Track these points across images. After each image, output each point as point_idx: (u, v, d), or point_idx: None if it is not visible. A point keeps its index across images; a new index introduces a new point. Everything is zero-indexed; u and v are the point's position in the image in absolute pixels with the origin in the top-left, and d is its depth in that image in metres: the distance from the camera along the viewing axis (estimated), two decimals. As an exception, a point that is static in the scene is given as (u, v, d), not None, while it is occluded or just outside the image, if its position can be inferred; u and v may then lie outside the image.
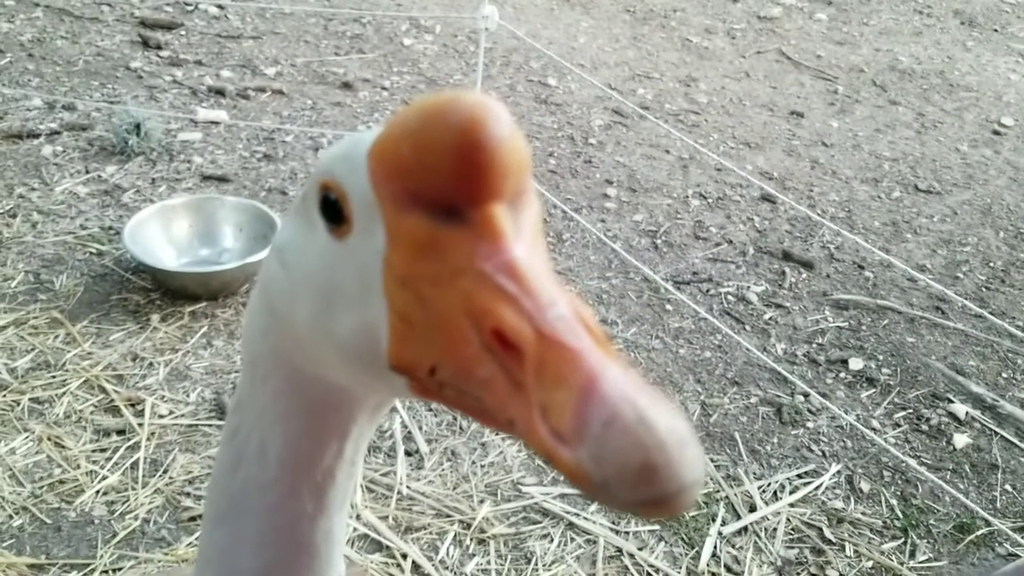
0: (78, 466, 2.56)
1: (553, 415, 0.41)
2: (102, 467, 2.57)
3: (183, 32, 5.52)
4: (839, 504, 2.80)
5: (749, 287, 3.80)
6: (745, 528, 2.67)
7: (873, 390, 3.30)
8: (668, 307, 3.60)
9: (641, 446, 0.39)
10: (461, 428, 2.86)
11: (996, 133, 5.71)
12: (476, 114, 0.47)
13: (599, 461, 0.39)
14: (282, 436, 0.71)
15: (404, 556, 2.42)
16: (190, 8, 5.86)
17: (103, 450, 2.63)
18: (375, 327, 0.53)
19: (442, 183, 0.48)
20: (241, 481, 0.74)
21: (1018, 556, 2.70)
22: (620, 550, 2.54)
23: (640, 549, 2.55)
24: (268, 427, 0.71)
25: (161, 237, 3.36)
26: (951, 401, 3.28)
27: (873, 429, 3.10)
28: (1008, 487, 2.96)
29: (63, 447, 2.62)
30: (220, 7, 5.91)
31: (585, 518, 2.61)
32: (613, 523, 2.62)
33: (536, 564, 2.47)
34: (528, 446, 0.42)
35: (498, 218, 0.49)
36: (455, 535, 2.51)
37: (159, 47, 5.23)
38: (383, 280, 0.52)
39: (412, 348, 0.50)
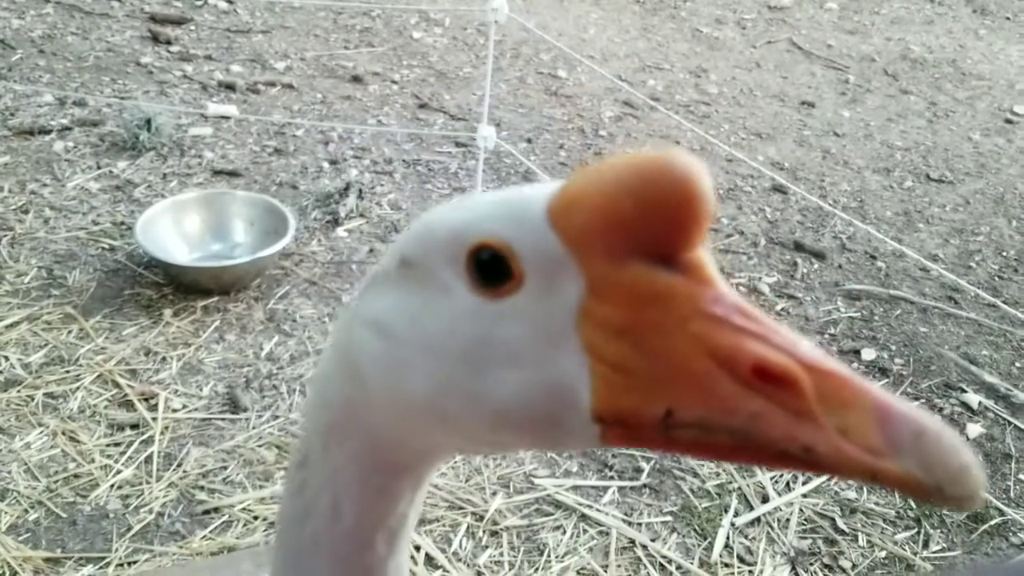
0: (92, 460, 2.58)
1: (856, 435, 0.46)
2: (116, 461, 2.59)
3: (192, 27, 5.53)
4: (852, 494, 2.79)
5: (761, 278, 3.79)
6: (758, 519, 2.66)
7: (886, 380, 3.29)
8: (679, 298, 3.59)
9: (956, 450, 0.45)
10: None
11: (1008, 122, 5.67)
12: (693, 170, 0.50)
13: (928, 468, 0.44)
14: (358, 495, 0.71)
15: (417, 548, 2.42)
16: (199, 3, 5.87)
17: (117, 444, 2.65)
18: (563, 381, 0.53)
19: (664, 234, 0.51)
20: (311, 534, 0.74)
21: (1032, 546, 2.69)
22: (633, 541, 2.54)
23: (653, 540, 2.55)
24: (343, 486, 0.71)
25: (173, 232, 3.37)
26: (964, 391, 3.27)
27: (886, 419, 3.08)
28: (1022, 476, 2.94)
29: (77, 441, 2.63)
30: (229, 1, 5.92)
31: (598, 510, 2.62)
32: (626, 515, 2.62)
33: (549, 556, 2.47)
34: (832, 468, 0.46)
35: (709, 263, 0.52)
36: (468, 527, 2.52)
37: (169, 42, 5.24)
38: (581, 333, 0.53)
39: (633, 396, 0.51)
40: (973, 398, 3.22)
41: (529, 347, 0.55)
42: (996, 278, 4.04)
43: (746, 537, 2.61)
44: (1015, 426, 3.14)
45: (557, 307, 0.54)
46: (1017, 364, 3.47)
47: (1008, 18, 7.64)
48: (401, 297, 0.61)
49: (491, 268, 0.56)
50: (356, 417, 0.68)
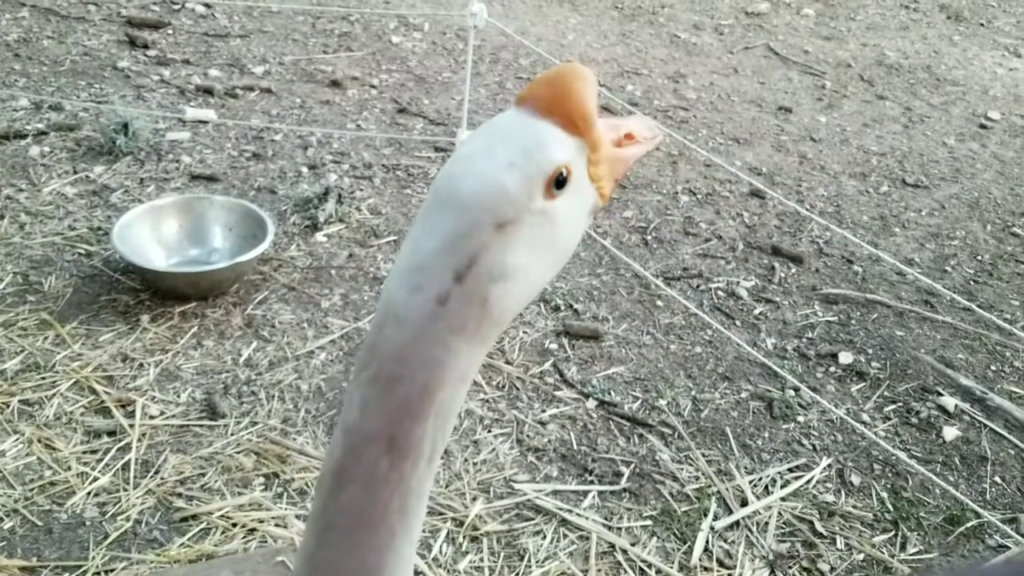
0: (69, 468, 2.56)
1: (650, 136, 0.97)
2: (93, 468, 2.56)
3: (170, 31, 5.50)
4: (830, 497, 2.81)
5: (739, 282, 3.81)
6: (737, 522, 2.68)
7: (863, 384, 3.32)
8: (659, 303, 3.60)
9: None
10: (453, 428, 2.86)
11: (983, 127, 5.73)
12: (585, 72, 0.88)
13: (659, 131, 0.98)
14: (446, 432, 0.89)
15: (397, 554, 2.41)
16: (177, 7, 5.84)
17: (94, 451, 2.62)
18: (594, 202, 0.91)
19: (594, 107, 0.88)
20: (402, 495, 0.86)
21: (1008, 548, 2.72)
22: (613, 546, 2.55)
23: (633, 544, 2.55)
24: (441, 435, 0.87)
25: (150, 237, 3.35)
26: (940, 394, 3.30)
27: (863, 423, 3.11)
28: (997, 479, 2.97)
29: (54, 449, 2.61)
30: (207, 6, 5.89)
31: (578, 514, 2.62)
32: (605, 519, 2.63)
33: (529, 561, 2.47)
34: (651, 149, 0.99)
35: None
36: (448, 533, 2.51)
37: (146, 46, 5.20)
38: (589, 174, 0.89)
39: (609, 184, 0.92)
40: (949, 401, 3.25)
41: (583, 200, 0.89)
42: (971, 282, 4.08)
43: (725, 541, 2.62)
44: (991, 429, 3.17)
45: (582, 171, 0.88)
46: (992, 367, 3.50)
47: (982, 24, 7.73)
48: (513, 244, 0.82)
49: (563, 179, 0.84)
50: (458, 372, 0.84)
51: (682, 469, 2.83)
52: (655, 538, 2.60)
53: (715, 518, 2.67)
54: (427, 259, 0.80)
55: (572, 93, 0.85)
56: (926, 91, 6.20)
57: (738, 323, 3.56)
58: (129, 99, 4.59)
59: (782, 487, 2.82)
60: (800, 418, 3.11)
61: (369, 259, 3.61)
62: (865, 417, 3.16)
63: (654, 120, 0.98)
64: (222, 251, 3.43)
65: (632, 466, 2.82)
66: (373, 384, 0.82)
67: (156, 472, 2.58)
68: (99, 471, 2.56)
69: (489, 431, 2.87)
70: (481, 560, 2.46)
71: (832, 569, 2.58)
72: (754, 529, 2.66)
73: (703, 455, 2.90)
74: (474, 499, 2.63)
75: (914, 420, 3.18)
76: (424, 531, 2.50)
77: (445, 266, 0.80)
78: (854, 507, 2.79)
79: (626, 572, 2.48)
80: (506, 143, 0.83)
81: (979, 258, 4.28)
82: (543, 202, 0.83)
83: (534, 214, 0.83)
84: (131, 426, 2.70)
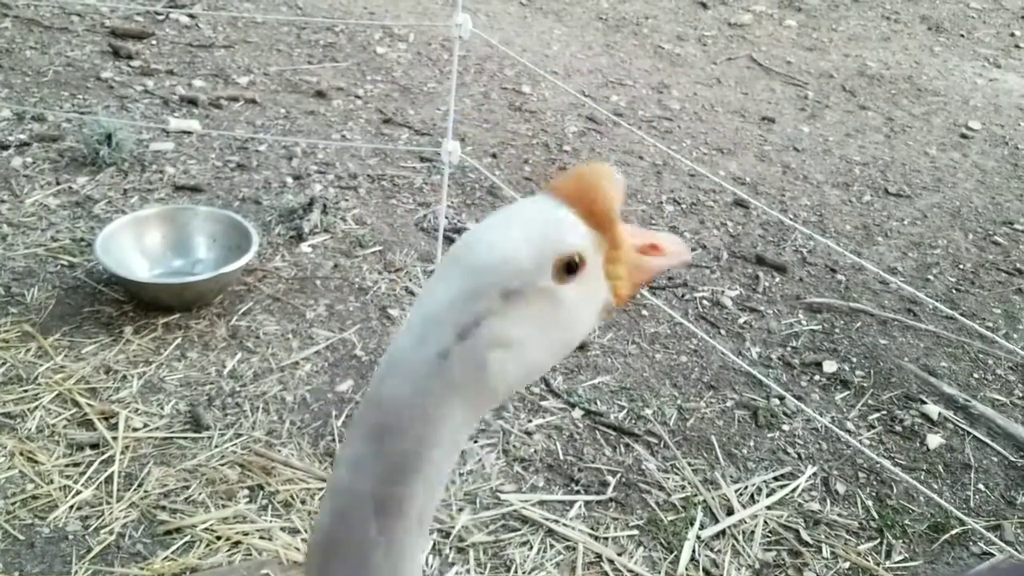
0: (51, 481, 2.53)
1: (682, 250, 0.99)
2: (76, 481, 2.54)
3: (154, 42, 5.48)
4: (815, 506, 2.82)
5: (723, 291, 3.83)
6: (723, 531, 2.68)
7: (847, 392, 3.33)
8: (644, 312, 3.61)
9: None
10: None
11: (964, 137, 5.78)
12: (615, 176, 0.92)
13: (686, 249, 1.00)
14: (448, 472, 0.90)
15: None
16: (161, 17, 5.82)
17: (77, 464, 2.60)
18: (605, 298, 0.92)
19: (617, 209, 0.91)
20: (415, 524, 0.87)
21: (992, 555, 2.74)
22: (600, 556, 2.54)
23: (619, 555, 2.55)
24: (446, 474, 0.89)
25: (133, 248, 3.33)
26: (924, 402, 3.32)
27: (848, 431, 3.12)
28: (981, 486, 2.99)
29: (36, 462, 2.59)
30: (192, 16, 5.88)
31: (564, 524, 2.62)
32: (592, 529, 2.63)
33: (516, 572, 2.46)
34: (682, 265, 1.16)
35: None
36: (435, 544, 2.50)
37: (130, 57, 5.19)
38: (604, 271, 0.91)
39: (628, 289, 0.95)
40: (933, 409, 3.27)
41: (592, 294, 0.91)
42: (953, 290, 4.11)
43: (712, 550, 2.62)
44: (974, 436, 3.19)
45: (598, 266, 0.90)
46: (975, 375, 3.53)
47: (962, 35, 7.80)
48: (517, 317, 0.85)
49: (574, 265, 0.87)
50: (448, 425, 0.86)
51: (668, 478, 2.84)
52: (642, 548, 2.60)
53: (701, 527, 2.68)
54: (435, 313, 0.84)
55: (596, 187, 0.90)
56: (908, 101, 6.25)
57: (723, 332, 3.57)
58: (112, 110, 4.57)
59: (768, 496, 2.83)
60: (785, 427, 3.12)
61: (354, 269, 3.61)
62: (850, 425, 3.17)
63: (683, 239, 1.03)
64: (206, 262, 3.42)
65: (618, 476, 2.82)
66: (367, 440, 0.84)
67: (139, 485, 2.56)
68: (82, 484, 2.54)
69: (475, 442, 2.87)
70: (468, 572, 2.45)
71: (818, 577, 2.58)
72: (740, 538, 2.67)
73: (689, 464, 2.90)
74: (460, 510, 2.62)
75: (898, 428, 3.19)
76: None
77: (450, 322, 0.83)
78: (839, 515, 2.80)
79: (613, 582, 2.48)
80: (526, 221, 0.88)
81: (961, 267, 4.31)
82: (551, 283, 0.86)
83: (540, 292, 0.86)
84: (114, 439, 2.68)
